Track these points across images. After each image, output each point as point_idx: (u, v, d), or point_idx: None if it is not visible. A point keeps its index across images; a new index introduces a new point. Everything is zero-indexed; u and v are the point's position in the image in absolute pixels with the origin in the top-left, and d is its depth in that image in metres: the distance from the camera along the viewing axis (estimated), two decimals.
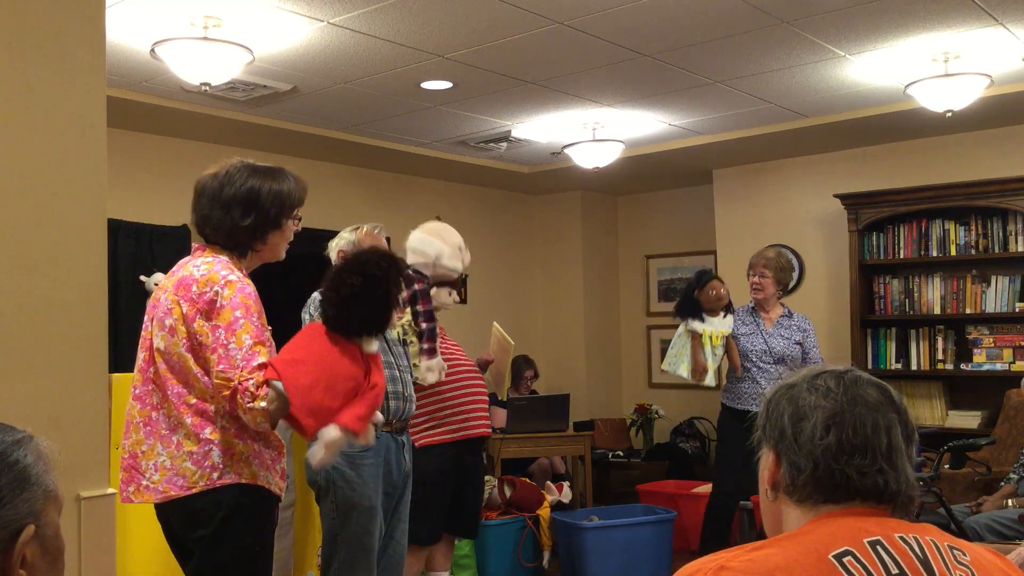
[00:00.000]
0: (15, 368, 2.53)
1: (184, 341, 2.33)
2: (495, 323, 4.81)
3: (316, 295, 3.51)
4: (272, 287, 2.51)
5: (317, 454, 2.34)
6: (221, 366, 2.25)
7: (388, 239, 6.66)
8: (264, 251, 2.52)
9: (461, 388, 4.10)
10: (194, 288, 2.34)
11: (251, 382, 2.22)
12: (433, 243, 3.63)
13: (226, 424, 2.34)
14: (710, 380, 4.94)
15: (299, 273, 3.51)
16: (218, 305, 2.30)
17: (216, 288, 2.31)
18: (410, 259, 3.63)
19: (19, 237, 2.56)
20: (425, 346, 3.68)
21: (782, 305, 5.07)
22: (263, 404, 2.22)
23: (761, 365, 4.87)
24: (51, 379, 2.60)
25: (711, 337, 4.84)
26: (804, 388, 1.33)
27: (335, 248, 3.74)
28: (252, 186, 2.43)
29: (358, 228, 3.73)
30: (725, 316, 4.89)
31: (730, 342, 4.92)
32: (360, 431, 2.35)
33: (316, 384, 2.28)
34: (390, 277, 2.48)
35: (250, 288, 2.36)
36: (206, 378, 2.32)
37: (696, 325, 4.82)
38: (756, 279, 4.99)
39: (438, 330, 3.79)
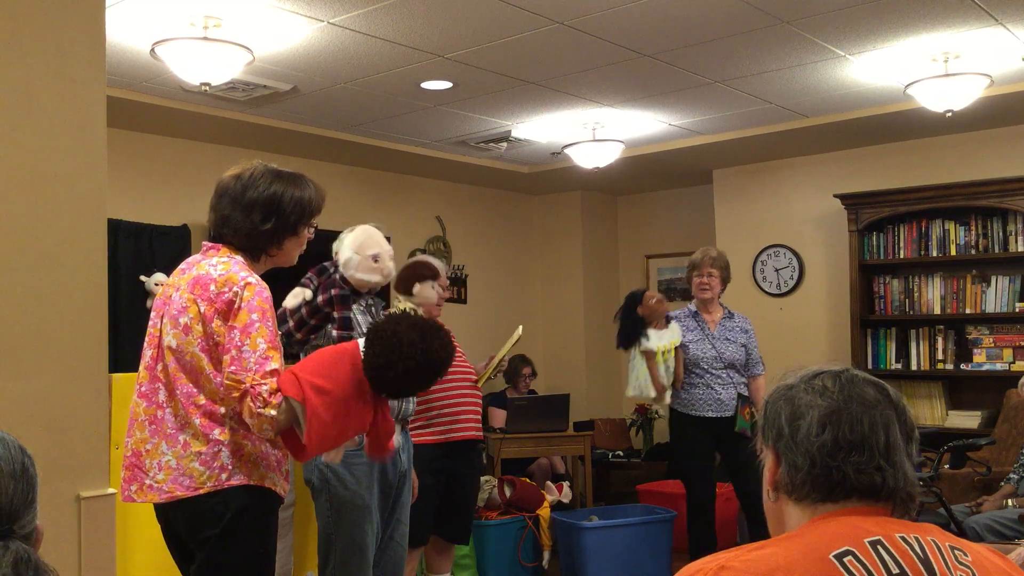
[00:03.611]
0: (15, 368, 2.53)
1: (199, 340, 2.32)
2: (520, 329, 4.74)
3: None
4: (275, 288, 2.49)
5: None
6: (233, 367, 2.24)
7: (388, 238, 6.66)
8: (279, 256, 2.51)
9: (451, 390, 4.08)
10: (212, 288, 2.32)
11: (264, 387, 2.20)
12: (345, 250, 3.45)
13: (235, 425, 2.33)
14: (669, 398, 4.83)
15: (302, 274, 3.49)
16: (236, 307, 2.29)
17: (235, 289, 2.30)
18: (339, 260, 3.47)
19: (19, 237, 2.57)
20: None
21: (722, 306, 5.00)
22: (273, 412, 2.21)
23: (713, 371, 4.79)
24: (51, 379, 2.60)
25: (664, 353, 4.72)
26: (801, 388, 1.34)
27: (335, 251, 3.68)
28: (275, 191, 2.43)
29: (353, 230, 3.69)
30: (669, 324, 4.78)
31: (678, 352, 4.79)
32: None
33: (334, 422, 2.27)
34: (450, 365, 2.45)
35: (267, 292, 2.35)
36: (219, 378, 2.30)
37: (649, 344, 4.70)
38: (704, 279, 4.86)
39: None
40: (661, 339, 4.73)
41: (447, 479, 4.07)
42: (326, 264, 3.44)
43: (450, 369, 4.01)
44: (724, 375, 4.78)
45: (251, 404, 2.21)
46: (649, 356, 4.73)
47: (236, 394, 2.24)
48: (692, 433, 4.82)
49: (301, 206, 2.47)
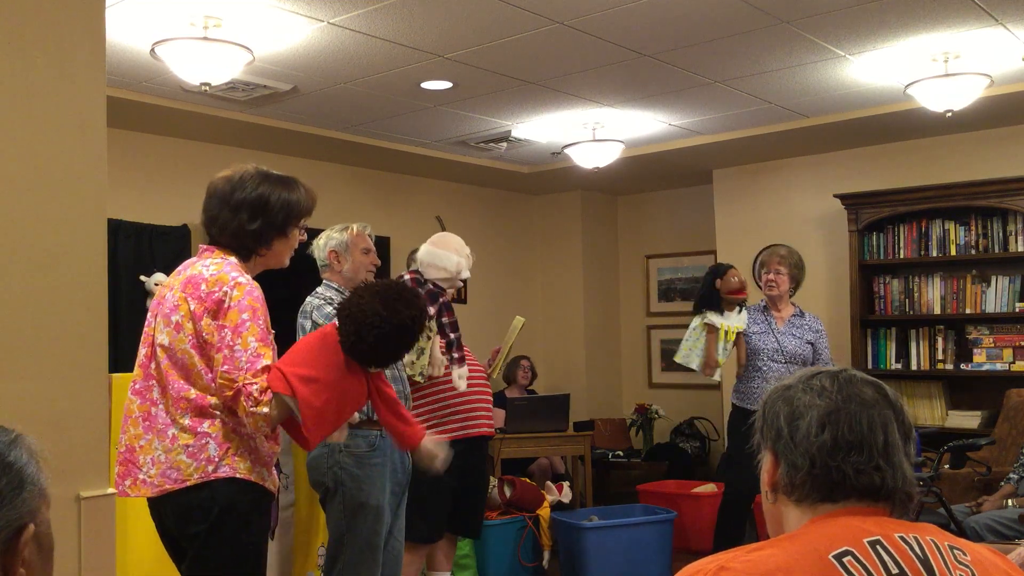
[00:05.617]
0: (15, 368, 2.53)
1: (190, 338, 2.36)
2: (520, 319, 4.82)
3: (314, 300, 3.49)
4: (274, 288, 2.51)
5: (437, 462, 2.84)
6: (225, 367, 2.28)
7: (388, 238, 6.67)
8: (268, 256, 2.54)
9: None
10: (203, 287, 2.37)
11: (255, 387, 2.25)
12: (451, 257, 3.74)
13: (224, 418, 2.35)
14: (718, 376, 4.93)
15: (299, 274, 3.49)
16: (226, 306, 2.33)
17: (225, 288, 2.35)
18: (431, 274, 3.75)
19: (19, 237, 2.56)
20: (455, 355, 3.78)
21: (793, 304, 5.05)
22: (266, 410, 2.26)
23: (772, 364, 4.84)
24: (51, 379, 2.60)
25: (727, 332, 4.82)
26: (799, 388, 1.34)
27: (325, 247, 3.66)
28: (262, 192, 2.48)
29: (347, 228, 3.69)
30: (740, 312, 4.86)
31: (740, 339, 4.89)
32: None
33: (328, 405, 2.34)
34: (422, 323, 2.53)
35: (258, 292, 2.39)
36: (209, 375, 2.34)
37: (714, 318, 4.79)
38: (771, 276, 4.96)
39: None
40: (728, 319, 4.83)
41: (463, 475, 4.06)
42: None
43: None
44: (784, 370, 4.81)
45: (244, 403, 2.26)
46: (711, 330, 4.82)
47: (229, 393, 2.28)
48: (741, 426, 4.84)
49: (288, 207, 2.50)
